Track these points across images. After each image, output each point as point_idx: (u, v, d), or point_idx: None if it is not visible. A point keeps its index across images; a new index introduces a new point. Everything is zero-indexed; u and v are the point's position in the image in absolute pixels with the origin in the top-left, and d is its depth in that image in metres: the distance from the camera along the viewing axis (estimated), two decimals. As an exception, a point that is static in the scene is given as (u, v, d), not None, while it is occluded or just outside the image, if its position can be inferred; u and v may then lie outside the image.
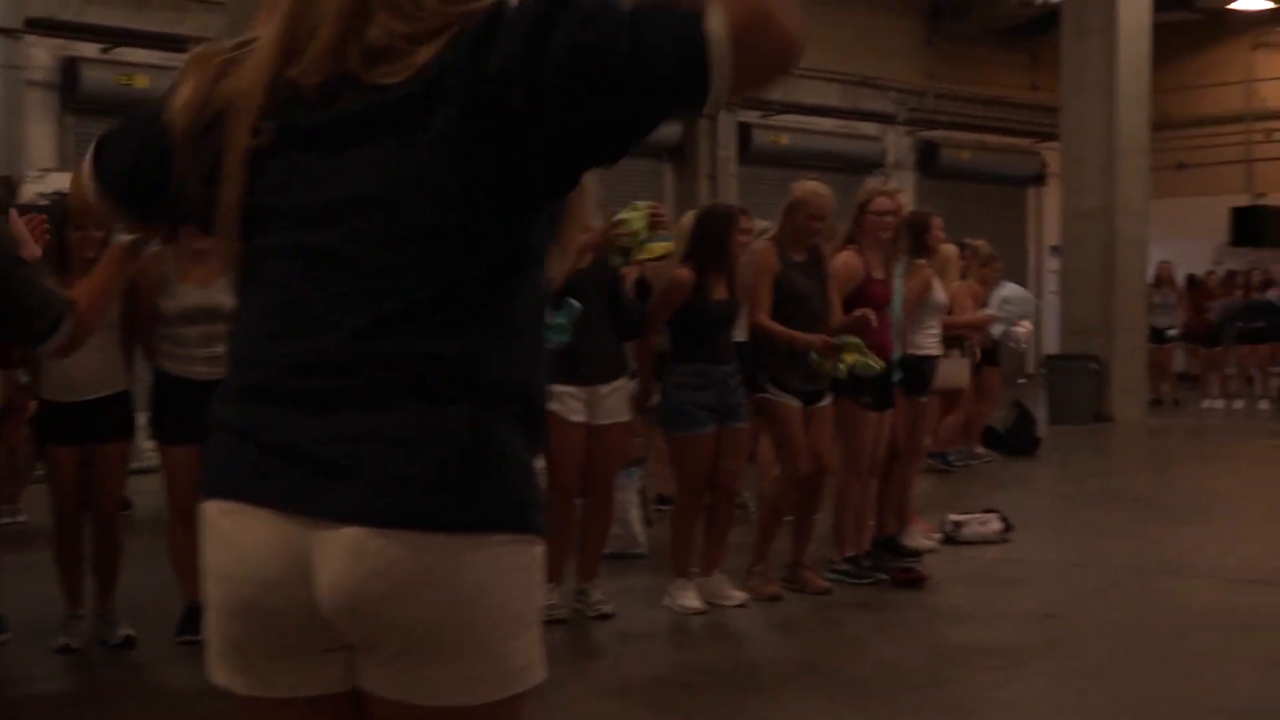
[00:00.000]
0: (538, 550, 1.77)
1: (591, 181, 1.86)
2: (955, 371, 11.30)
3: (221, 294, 5.49)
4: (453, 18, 1.67)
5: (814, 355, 6.51)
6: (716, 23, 1.55)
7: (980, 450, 12.30)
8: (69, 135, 14.79)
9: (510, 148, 1.67)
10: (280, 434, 1.72)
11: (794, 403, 6.71)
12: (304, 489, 1.70)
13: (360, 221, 1.70)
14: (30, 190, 10.87)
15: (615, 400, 6.42)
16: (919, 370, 7.71)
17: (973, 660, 5.83)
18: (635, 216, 6.17)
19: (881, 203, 7.08)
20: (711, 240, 6.57)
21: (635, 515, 8.00)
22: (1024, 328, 11.82)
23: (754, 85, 1.64)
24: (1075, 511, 10.05)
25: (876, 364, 6.52)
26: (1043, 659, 5.88)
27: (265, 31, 1.77)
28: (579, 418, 6.25)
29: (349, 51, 1.70)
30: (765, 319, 6.62)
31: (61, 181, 6.00)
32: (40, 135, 14.52)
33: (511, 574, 1.73)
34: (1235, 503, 10.43)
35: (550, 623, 6.19)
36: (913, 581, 7.14)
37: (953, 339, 11.25)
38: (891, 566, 7.28)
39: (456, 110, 1.65)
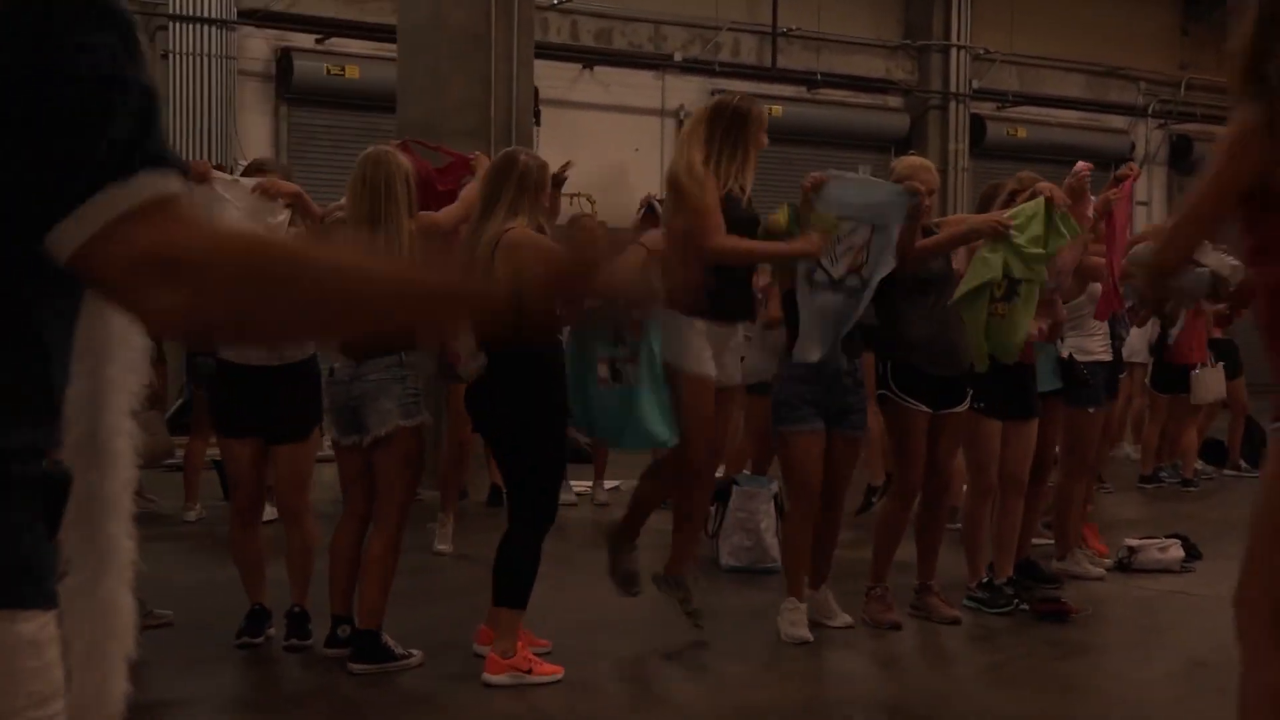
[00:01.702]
0: (27, 629, 1.42)
1: None
2: (1213, 382, 10.37)
3: None
4: None
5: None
6: None
7: (1199, 467, 11.30)
8: (283, 125, 14.99)
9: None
10: None
11: (919, 408, 6.05)
12: None
13: None
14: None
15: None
16: (1081, 377, 6.82)
17: (1084, 711, 5.10)
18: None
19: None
20: None
21: (767, 527, 7.44)
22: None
23: None
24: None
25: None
26: (1166, 714, 5.09)
27: None
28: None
29: None
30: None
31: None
32: (254, 125, 14.74)
33: None
34: None
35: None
36: (1056, 614, 6.34)
37: (1220, 350, 10.34)
38: (1036, 597, 6.50)
39: None
